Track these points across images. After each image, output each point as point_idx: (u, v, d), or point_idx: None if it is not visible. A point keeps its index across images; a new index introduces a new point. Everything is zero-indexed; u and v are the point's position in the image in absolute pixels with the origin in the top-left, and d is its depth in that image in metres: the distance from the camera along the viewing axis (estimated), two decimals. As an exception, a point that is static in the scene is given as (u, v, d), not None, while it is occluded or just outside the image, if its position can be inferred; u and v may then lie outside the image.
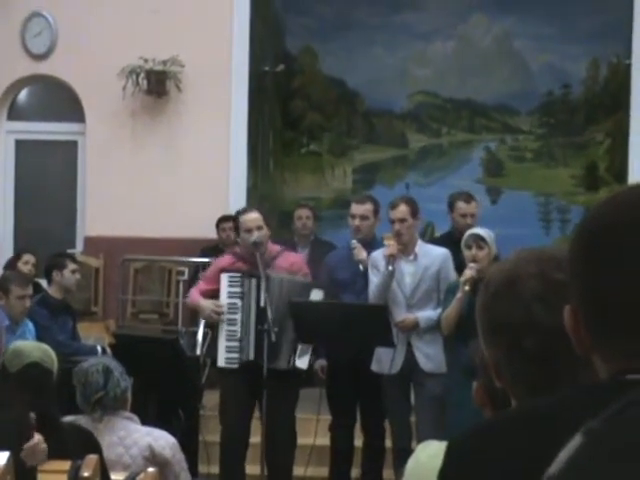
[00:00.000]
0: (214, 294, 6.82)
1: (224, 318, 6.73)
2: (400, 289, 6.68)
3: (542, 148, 11.07)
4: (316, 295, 6.73)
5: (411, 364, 6.61)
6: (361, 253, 6.85)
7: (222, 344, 6.77)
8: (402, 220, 6.66)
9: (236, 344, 6.72)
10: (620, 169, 10.41)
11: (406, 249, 6.71)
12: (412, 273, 6.70)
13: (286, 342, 6.62)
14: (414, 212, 6.73)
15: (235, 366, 6.70)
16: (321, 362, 7.01)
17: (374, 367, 6.74)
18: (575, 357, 1.38)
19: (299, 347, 6.64)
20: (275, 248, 6.97)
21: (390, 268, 6.57)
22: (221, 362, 6.77)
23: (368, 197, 7.38)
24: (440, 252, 6.78)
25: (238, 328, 6.73)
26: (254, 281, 6.67)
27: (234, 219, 7.13)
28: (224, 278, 6.79)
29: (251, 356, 6.65)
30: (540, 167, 11.05)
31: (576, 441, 1.13)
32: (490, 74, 11.12)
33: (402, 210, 6.68)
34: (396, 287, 6.68)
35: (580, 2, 10.58)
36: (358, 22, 11.00)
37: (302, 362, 6.68)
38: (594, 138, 10.94)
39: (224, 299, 6.76)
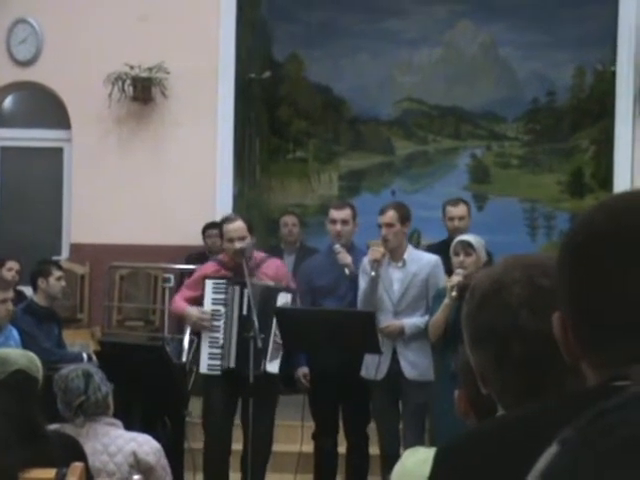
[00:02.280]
0: (198, 301, 6.81)
1: (209, 325, 6.73)
2: (388, 295, 6.67)
3: (528, 155, 11.09)
4: (283, 298, 6.71)
5: (396, 371, 6.60)
6: (346, 257, 6.85)
7: (205, 351, 6.76)
8: (389, 225, 6.65)
9: (218, 351, 6.70)
10: (605, 176, 10.44)
11: (395, 255, 6.70)
12: (400, 279, 6.68)
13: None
14: (403, 218, 6.70)
15: (217, 373, 6.70)
16: (303, 369, 6.98)
17: (362, 372, 6.73)
18: (563, 364, 1.37)
19: (269, 351, 6.61)
20: (260, 255, 6.97)
21: (373, 273, 6.57)
22: (203, 369, 6.77)
23: (346, 203, 7.42)
24: (429, 259, 6.75)
25: (221, 335, 6.72)
26: (237, 288, 6.67)
27: (219, 226, 7.08)
28: (208, 285, 6.77)
29: (232, 364, 6.63)
30: (526, 174, 11.08)
31: (552, 450, 1.13)
32: (476, 81, 11.14)
33: (390, 215, 6.68)
34: (384, 293, 6.67)
35: (565, 10, 10.62)
36: (344, 29, 11.01)
37: (272, 366, 6.64)
38: (579, 145, 10.97)
39: (208, 305, 6.75)
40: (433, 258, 6.75)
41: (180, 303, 6.91)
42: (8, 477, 3.95)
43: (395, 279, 6.69)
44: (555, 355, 1.40)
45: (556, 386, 1.61)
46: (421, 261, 6.72)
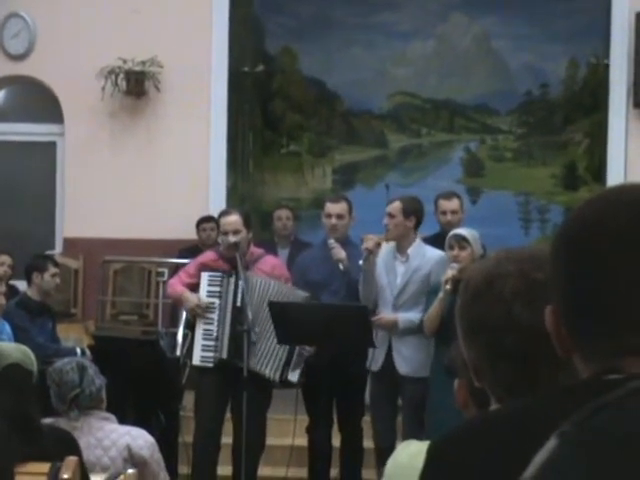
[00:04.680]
0: (194, 288, 6.85)
1: (204, 315, 6.76)
2: (390, 289, 6.67)
3: (521, 148, 11.09)
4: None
5: (391, 365, 6.60)
6: (340, 252, 6.83)
7: (198, 343, 6.81)
8: (391, 215, 6.65)
9: (212, 343, 6.75)
10: (599, 168, 10.45)
11: (400, 249, 6.69)
12: (402, 274, 6.67)
13: (267, 346, 6.64)
14: (407, 211, 6.65)
15: (210, 365, 6.72)
16: None
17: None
18: (555, 357, 1.37)
19: (293, 360, 6.66)
20: (257, 251, 6.99)
21: (360, 262, 6.57)
22: (196, 360, 6.82)
23: (342, 196, 7.40)
24: (434, 255, 6.67)
25: (214, 327, 6.75)
26: (232, 280, 6.70)
27: (217, 219, 7.15)
28: (204, 277, 6.81)
29: (224, 355, 6.67)
30: (520, 167, 11.08)
31: (551, 444, 1.13)
32: (469, 74, 11.13)
33: (393, 206, 6.69)
34: (387, 287, 6.67)
35: (559, 2, 10.61)
36: (337, 22, 11.00)
37: (293, 375, 6.70)
38: (573, 138, 10.97)
39: (203, 297, 6.79)
40: (437, 254, 6.65)
41: (178, 287, 6.95)
42: (3, 471, 3.95)
43: (399, 273, 6.68)
44: (548, 348, 1.40)
45: (549, 379, 1.61)
46: (425, 257, 6.68)
